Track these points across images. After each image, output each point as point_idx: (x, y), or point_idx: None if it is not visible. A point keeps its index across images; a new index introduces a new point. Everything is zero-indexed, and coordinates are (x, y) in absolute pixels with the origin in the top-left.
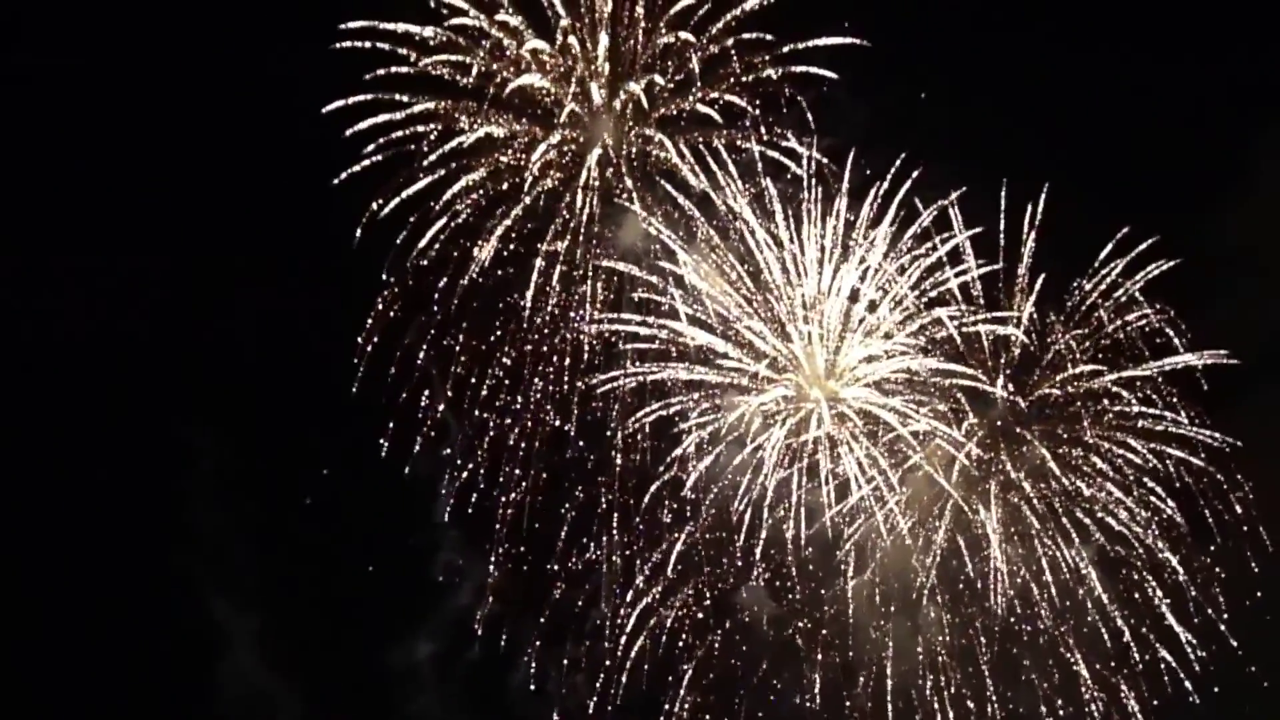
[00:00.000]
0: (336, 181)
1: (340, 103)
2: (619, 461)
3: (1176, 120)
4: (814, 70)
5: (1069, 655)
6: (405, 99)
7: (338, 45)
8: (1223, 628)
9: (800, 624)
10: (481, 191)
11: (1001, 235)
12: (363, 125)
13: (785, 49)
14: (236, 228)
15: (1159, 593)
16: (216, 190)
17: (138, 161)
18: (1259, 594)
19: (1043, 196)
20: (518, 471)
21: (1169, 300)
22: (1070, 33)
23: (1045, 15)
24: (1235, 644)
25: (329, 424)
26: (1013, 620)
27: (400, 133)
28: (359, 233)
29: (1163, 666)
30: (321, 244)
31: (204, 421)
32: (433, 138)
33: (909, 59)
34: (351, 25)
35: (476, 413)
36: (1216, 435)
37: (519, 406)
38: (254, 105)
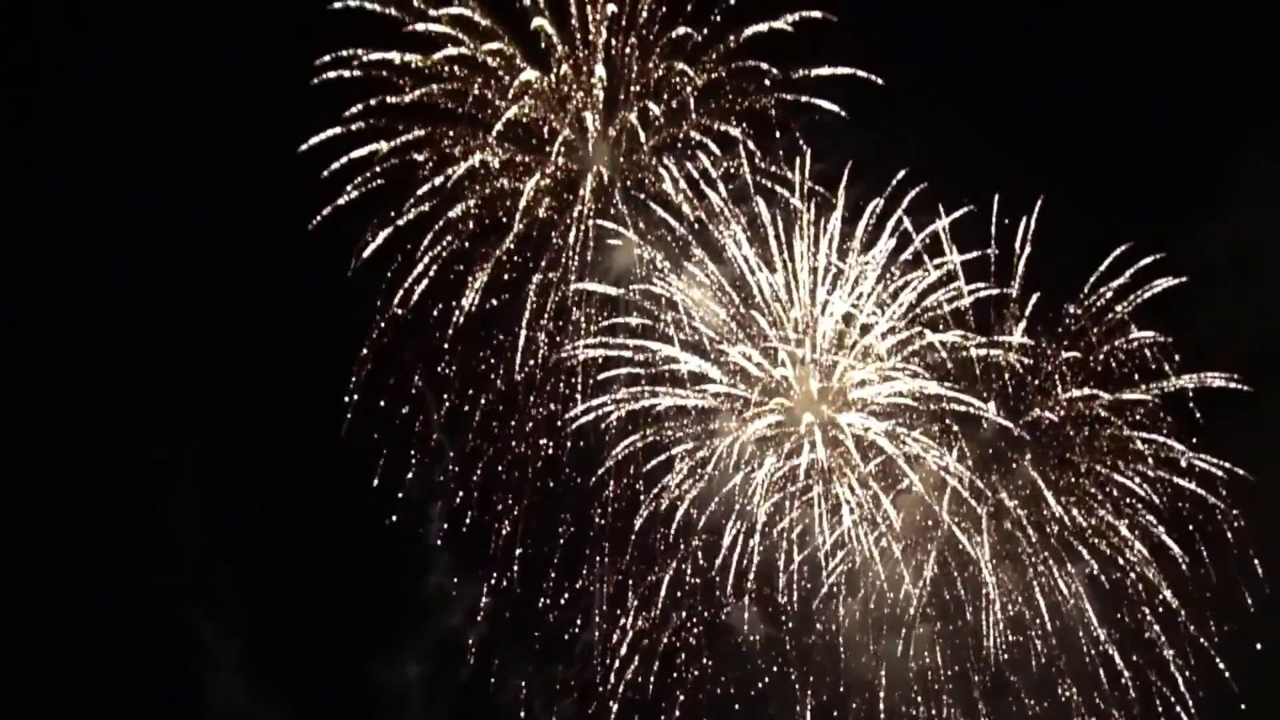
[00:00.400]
0: (330, 210)
1: (334, 130)
2: (611, 487)
3: (1163, 129)
4: (810, 99)
5: (1061, 681)
6: (400, 127)
7: (331, 74)
8: (1215, 654)
9: (791, 648)
10: (475, 219)
11: (992, 254)
12: (360, 152)
13: (780, 78)
14: (228, 249)
15: (1150, 618)
16: (209, 210)
17: (135, 175)
18: (1248, 621)
19: (1036, 209)
20: (510, 499)
21: (1156, 316)
22: (1055, 44)
23: (1029, 29)
24: (1225, 669)
25: (319, 444)
26: (1003, 647)
27: (395, 160)
28: (353, 260)
29: (1154, 691)
30: (315, 265)
31: (188, 441)
32: (429, 166)
33: (901, 81)
34: (347, 53)
35: (470, 437)
36: (1208, 458)
37: (512, 431)
38: (248, 125)
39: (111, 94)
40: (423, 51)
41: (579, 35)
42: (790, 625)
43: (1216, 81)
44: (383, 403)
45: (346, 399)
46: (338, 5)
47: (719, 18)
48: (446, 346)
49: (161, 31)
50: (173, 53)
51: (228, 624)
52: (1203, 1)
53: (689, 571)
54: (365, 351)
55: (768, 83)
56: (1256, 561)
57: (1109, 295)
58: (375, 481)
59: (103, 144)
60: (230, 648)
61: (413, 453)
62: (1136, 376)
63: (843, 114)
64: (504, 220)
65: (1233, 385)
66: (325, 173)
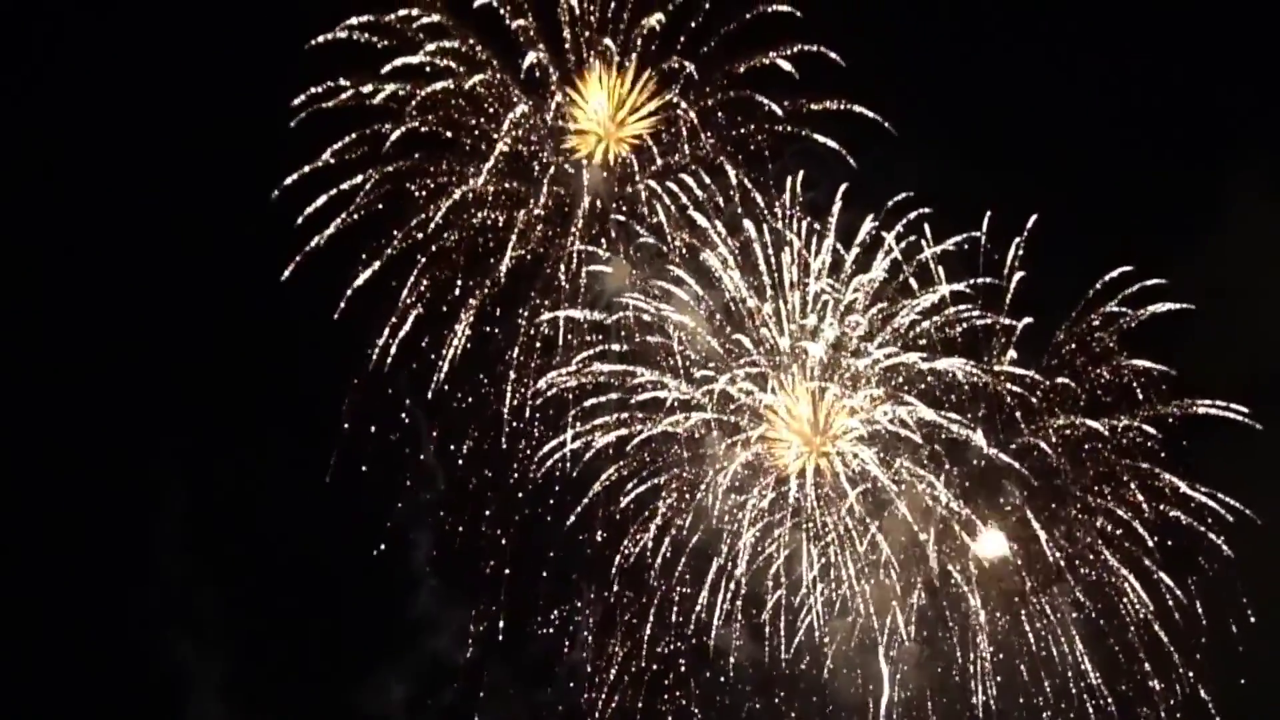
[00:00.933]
0: (325, 237)
1: (324, 160)
2: (599, 513)
3: (1158, 149)
4: (807, 132)
5: (1046, 709)
6: (392, 153)
7: (328, 104)
8: (1200, 687)
9: (778, 674)
10: (467, 248)
11: (981, 280)
12: (355, 180)
13: (780, 114)
14: (222, 272)
15: (1137, 647)
16: (202, 236)
17: (121, 201)
18: (1239, 649)
19: (1026, 230)
20: (498, 524)
21: (1152, 341)
22: (1050, 63)
23: (1022, 43)
24: (1209, 701)
25: (308, 468)
26: (989, 675)
27: (389, 187)
28: (346, 287)
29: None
30: (307, 291)
31: (173, 462)
32: (421, 196)
33: (896, 102)
34: (341, 82)
35: (459, 462)
36: (1200, 487)
37: (500, 457)
38: (241, 154)
39: (109, 117)
40: (415, 82)
41: (573, 67)
42: (777, 651)
43: (1212, 102)
44: (373, 428)
45: (336, 424)
46: (332, 35)
47: (716, 50)
48: (439, 376)
49: (153, 62)
50: (162, 86)
51: (211, 646)
52: (1199, 20)
53: (676, 597)
54: (356, 380)
55: (766, 111)
56: (1240, 589)
57: (1098, 322)
58: (364, 506)
59: (97, 164)
60: (213, 670)
61: (406, 479)
62: (1128, 403)
63: (844, 153)
64: (496, 249)
65: (1221, 413)
66: (317, 202)
